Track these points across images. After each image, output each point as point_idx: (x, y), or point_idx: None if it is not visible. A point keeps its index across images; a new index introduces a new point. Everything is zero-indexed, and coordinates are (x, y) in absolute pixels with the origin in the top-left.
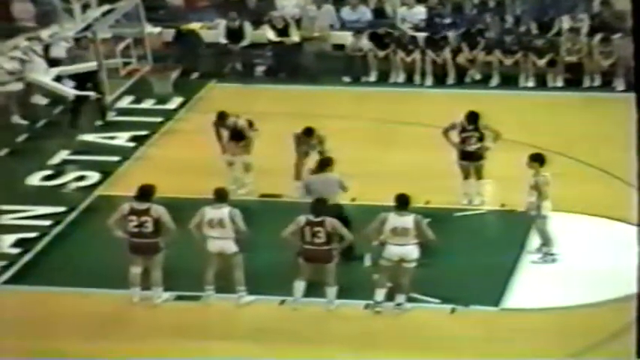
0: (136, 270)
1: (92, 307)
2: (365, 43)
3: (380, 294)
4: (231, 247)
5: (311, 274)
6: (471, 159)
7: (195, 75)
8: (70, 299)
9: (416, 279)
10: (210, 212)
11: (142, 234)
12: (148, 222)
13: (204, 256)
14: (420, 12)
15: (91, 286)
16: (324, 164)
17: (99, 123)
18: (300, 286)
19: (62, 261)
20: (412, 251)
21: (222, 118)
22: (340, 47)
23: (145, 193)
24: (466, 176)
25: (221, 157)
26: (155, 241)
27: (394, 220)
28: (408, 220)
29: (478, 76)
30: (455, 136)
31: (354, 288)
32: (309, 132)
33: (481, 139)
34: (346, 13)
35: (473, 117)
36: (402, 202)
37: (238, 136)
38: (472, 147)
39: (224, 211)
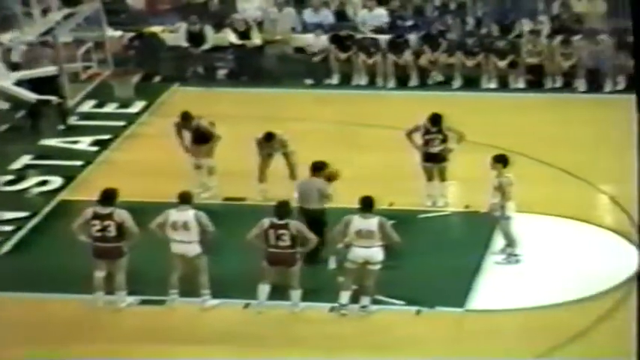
0: (99, 274)
1: (56, 312)
2: (324, 41)
3: (345, 296)
4: (195, 249)
5: (275, 277)
6: (434, 161)
7: (157, 78)
8: (33, 304)
9: (381, 281)
10: (175, 215)
11: (105, 238)
12: (110, 226)
13: (168, 260)
14: (382, 14)
15: (54, 291)
16: (314, 168)
17: (60, 127)
18: (264, 289)
19: (25, 266)
20: (377, 253)
21: (185, 119)
22: (302, 50)
23: (108, 197)
24: (430, 178)
25: (188, 160)
26: (118, 246)
27: (358, 222)
28: (372, 223)
29: (440, 78)
30: (418, 138)
31: (319, 291)
32: (269, 137)
33: (444, 140)
34: (308, 15)
35: (436, 119)
36: (367, 205)
37: (201, 138)
38: (435, 149)
39: (189, 214)
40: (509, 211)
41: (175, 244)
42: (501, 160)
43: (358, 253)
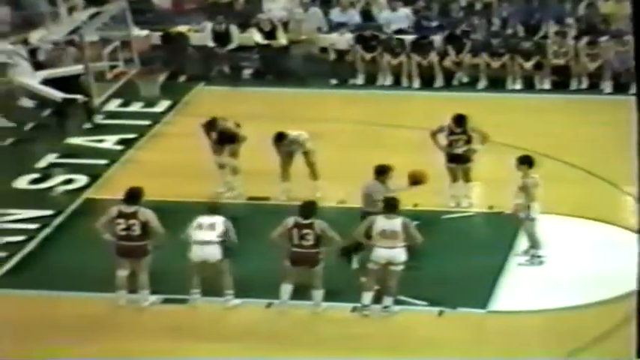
0: (122, 273)
1: (79, 310)
2: (349, 39)
3: (367, 297)
4: (215, 253)
5: (298, 277)
6: (458, 161)
7: (182, 78)
8: (57, 302)
9: (403, 281)
10: (202, 218)
11: (130, 237)
12: (135, 225)
13: (189, 265)
14: (405, 15)
15: (78, 289)
16: (377, 171)
17: (86, 126)
18: (286, 289)
19: (49, 264)
20: (400, 254)
21: (211, 124)
22: (328, 50)
23: (133, 195)
24: (454, 179)
25: (213, 159)
26: (143, 244)
27: (382, 222)
28: (396, 223)
29: (465, 79)
30: (442, 138)
31: (342, 291)
32: (279, 137)
33: (469, 141)
34: (336, 15)
35: (460, 120)
36: (391, 206)
37: (225, 139)
38: (460, 149)
39: (218, 218)
40: (534, 212)
41: (196, 248)
42: (527, 162)
43: (381, 253)
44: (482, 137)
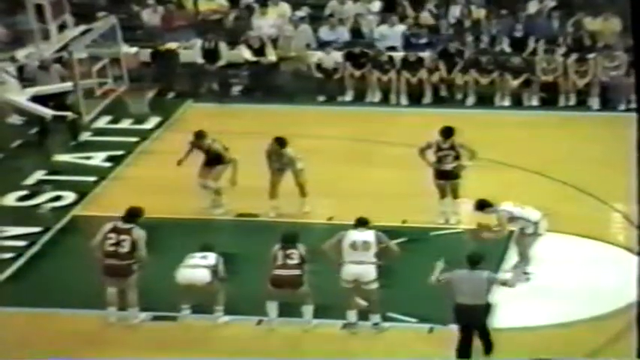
0: (112, 290)
1: (68, 328)
2: (336, 57)
3: (351, 315)
4: (204, 277)
5: (284, 296)
6: (447, 178)
7: (171, 95)
8: (45, 320)
9: (393, 298)
10: (196, 253)
11: (117, 254)
12: (125, 241)
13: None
14: (401, 31)
15: (66, 306)
16: (470, 262)
17: (71, 143)
18: (273, 306)
19: (38, 282)
20: (368, 272)
21: (199, 137)
22: (317, 67)
23: (133, 214)
24: (442, 195)
25: (197, 181)
26: (130, 263)
27: (353, 235)
28: (368, 234)
29: (453, 95)
30: (431, 155)
31: (333, 307)
32: (281, 143)
33: (457, 157)
34: (324, 33)
35: (447, 132)
36: (362, 223)
37: (212, 160)
38: (448, 166)
39: (211, 254)
40: (541, 229)
41: (183, 271)
42: (482, 206)
43: (350, 270)
44: (470, 154)
